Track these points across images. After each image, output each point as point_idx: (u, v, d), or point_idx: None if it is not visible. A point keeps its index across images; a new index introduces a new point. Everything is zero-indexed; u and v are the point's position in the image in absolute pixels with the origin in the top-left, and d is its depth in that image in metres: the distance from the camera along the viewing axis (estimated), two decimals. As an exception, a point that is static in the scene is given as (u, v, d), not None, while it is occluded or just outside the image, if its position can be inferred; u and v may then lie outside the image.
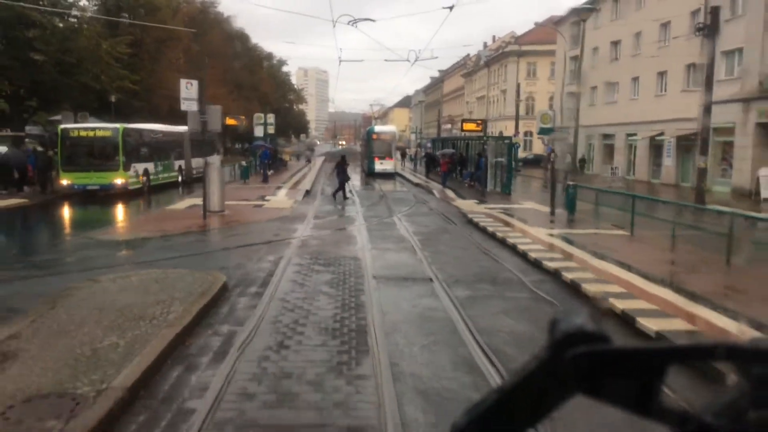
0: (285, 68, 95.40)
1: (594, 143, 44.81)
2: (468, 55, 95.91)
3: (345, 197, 23.02)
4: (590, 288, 9.01)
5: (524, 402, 0.46)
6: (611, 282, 9.44)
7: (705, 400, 0.43)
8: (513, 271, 10.80)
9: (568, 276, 9.81)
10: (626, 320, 7.62)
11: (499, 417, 0.46)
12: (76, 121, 30.52)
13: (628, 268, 10.20)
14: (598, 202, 18.02)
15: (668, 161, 34.30)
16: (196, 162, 32.17)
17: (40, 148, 28.03)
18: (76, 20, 30.25)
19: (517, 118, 50.46)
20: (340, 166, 23.52)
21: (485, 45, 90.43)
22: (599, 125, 42.49)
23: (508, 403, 0.46)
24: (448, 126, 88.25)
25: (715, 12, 23.01)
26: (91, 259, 11.59)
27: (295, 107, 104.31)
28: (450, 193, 25.39)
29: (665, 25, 34.73)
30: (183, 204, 21.31)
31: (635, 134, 37.56)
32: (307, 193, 26.15)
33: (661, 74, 35.37)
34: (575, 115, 36.66)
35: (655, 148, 35.87)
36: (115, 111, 34.43)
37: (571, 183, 17.94)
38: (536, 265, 11.15)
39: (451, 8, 21.99)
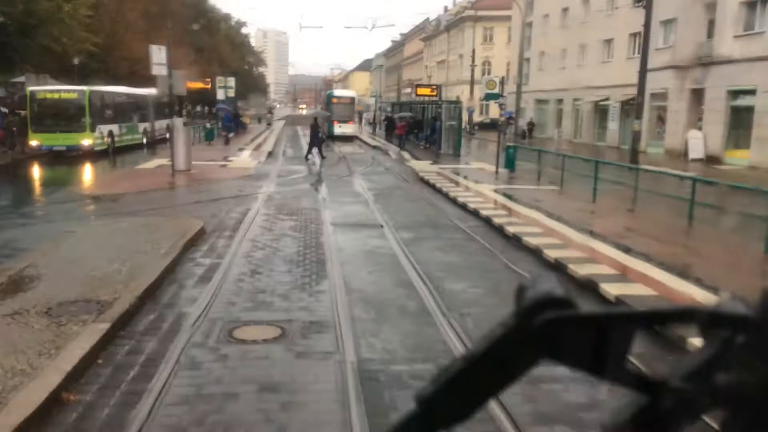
0: (244, 30, 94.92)
1: (547, 108, 46.82)
2: (428, 18, 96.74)
3: (306, 158, 24.37)
4: (512, 230, 10.74)
5: (491, 369, 0.46)
6: (532, 225, 11.18)
7: (668, 365, 0.47)
8: (452, 219, 12.48)
9: (497, 221, 11.53)
10: (536, 253, 9.35)
11: (465, 385, 0.46)
12: (38, 83, 30.89)
13: (549, 215, 11.98)
14: (538, 162, 19.80)
15: (613, 125, 36.43)
16: (159, 124, 33.02)
17: (4, 110, 28.44)
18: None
19: (472, 83, 51.97)
20: (314, 129, 24.72)
21: (446, 9, 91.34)
22: (550, 90, 44.45)
23: (475, 371, 0.46)
24: (408, 90, 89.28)
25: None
26: (77, 210, 12.83)
27: (254, 70, 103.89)
28: (406, 155, 26.92)
29: (612, -7, 36.46)
30: (150, 164, 22.36)
31: (580, 99, 39.61)
32: (270, 154, 27.37)
33: (608, 42, 37.25)
34: (525, 81, 38.26)
35: (601, 112, 37.98)
36: (78, 72, 34.65)
37: (510, 144, 19.63)
38: (474, 213, 12.84)
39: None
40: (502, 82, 23.06)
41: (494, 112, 59.31)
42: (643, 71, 25.40)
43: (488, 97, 22.69)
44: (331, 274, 8.21)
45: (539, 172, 18.26)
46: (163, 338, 5.84)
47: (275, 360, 5.45)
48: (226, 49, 73.56)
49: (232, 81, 37.28)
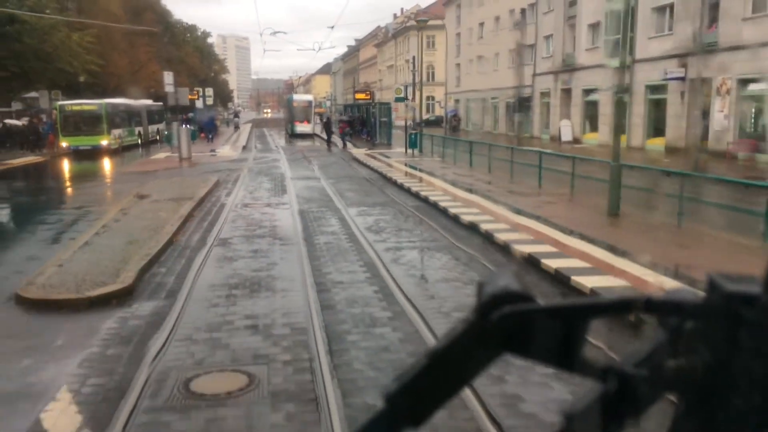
0: (209, 40, 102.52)
1: (475, 105, 55.90)
2: (379, 26, 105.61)
3: (329, 145, 33.90)
4: (392, 176, 19.35)
5: (454, 364, 0.48)
6: (416, 179, 19.68)
7: (627, 352, 0.46)
8: (363, 175, 21.05)
9: (386, 174, 20.14)
10: (399, 185, 17.88)
11: (429, 381, 0.48)
12: (50, 98, 38.63)
13: (421, 170, 20.62)
14: (440, 145, 28.42)
15: (518, 117, 45.52)
16: (151, 128, 41.15)
17: (28, 120, 36.07)
18: (51, 17, 37.79)
19: (414, 86, 60.66)
20: (327, 125, 35.71)
21: (395, 16, 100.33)
22: (477, 90, 53.51)
23: (439, 367, 0.48)
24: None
25: (522, 13, 33.79)
26: (134, 178, 20.97)
27: (219, 77, 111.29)
28: (349, 145, 35.41)
29: (512, 12, 45.56)
30: (159, 155, 30.45)
31: (497, 98, 48.71)
32: (244, 148, 35.66)
33: (513, 51, 46.30)
34: (458, 83, 46.91)
35: (513, 107, 47.10)
36: (74, 88, 42.18)
37: (413, 132, 28.35)
38: (376, 171, 21.41)
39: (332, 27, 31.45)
40: (406, 89, 31.70)
41: (438, 110, 68.63)
42: (520, 78, 34.47)
43: (397, 99, 31.35)
44: (289, 192, 16.73)
45: (432, 150, 26.99)
46: (220, 206, 14.28)
47: (266, 210, 13.95)
48: (195, 60, 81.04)
49: (210, 91, 45.39)
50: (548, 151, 17.84)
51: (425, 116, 69.57)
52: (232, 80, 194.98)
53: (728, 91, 23.79)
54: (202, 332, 6.22)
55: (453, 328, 0.48)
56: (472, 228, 11.17)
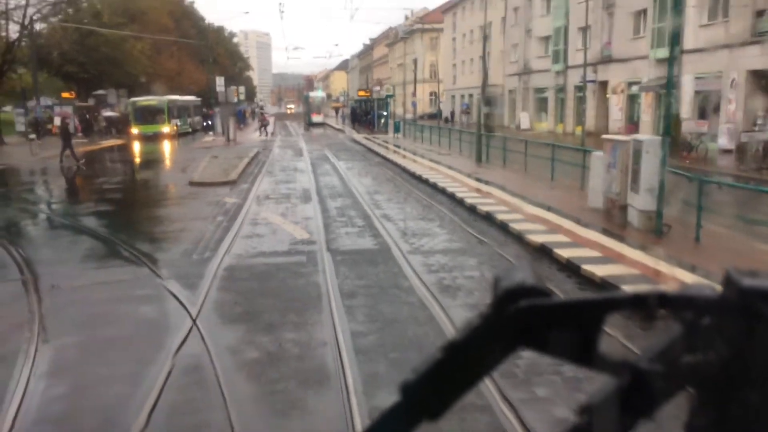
0: (234, 40, 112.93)
1: (466, 100, 65.35)
2: (390, 27, 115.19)
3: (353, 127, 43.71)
4: (374, 149, 29.07)
5: (471, 358, 0.48)
6: (388, 149, 29.36)
7: (643, 346, 0.46)
8: (355, 149, 30.84)
9: (372, 148, 29.86)
10: (380, 155, 27.58)
11: (446, 373, 0.48)
12: (117, 96, 48.87)
13: (399, 147, 30.31)
14: (416, 131, 38.01)
15: (499, 110, 54.94)
16: (198, 119, 51.34)
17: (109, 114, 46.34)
18: (122, 33, 47.97)
19: (414, 84, 70.25)
20: (354, 113, 45.15)
21: (406, 18, 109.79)
22: (467, 87, 62.99)
23: (455, 360, 0.48)
24: (378, 88, 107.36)
25: (485, 28, 43.14)
26: (205, 150, 30.92)
27: (243, 74, 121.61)
28: (354, 132, 45.20)
29: (490, 23, 54.84)
30: (207, 139, 40.48)
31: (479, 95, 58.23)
32: (272, 134, 45.66)
33: (488, 55, 55.68)
34: (454, 81, 56.46)
35: (486, 102, 56.53)
36: (130, 87, 52.28)
37: (397, 120, 38.06)
38: (365, 147, 31.14)
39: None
40: (394, 88, 41.33)
41: (437, 105, 78.11)
42: (485, 79, 43.73)
43: (387, 96, 40.99)
44: (304, 155, 26.60)
45: (409, 132, 36.77)
46: (263, 160, 24.20)
47: (290, 162, 23.81)
48: (225, 60, 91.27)
49: (242, 89, 55.42)
50: (460, 128, 27.57)
51: (428, 110, 79.42)
52: (254, 76, 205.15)
53: (622, 91, 33.17)
54: (268, 189, 16.19)
55: (469, 322, 0.49)
56: (403, 168, 20.88)
